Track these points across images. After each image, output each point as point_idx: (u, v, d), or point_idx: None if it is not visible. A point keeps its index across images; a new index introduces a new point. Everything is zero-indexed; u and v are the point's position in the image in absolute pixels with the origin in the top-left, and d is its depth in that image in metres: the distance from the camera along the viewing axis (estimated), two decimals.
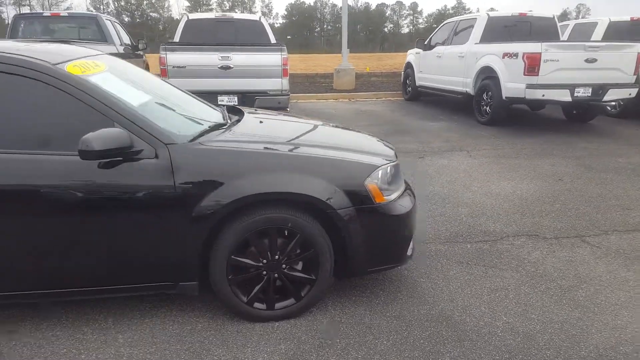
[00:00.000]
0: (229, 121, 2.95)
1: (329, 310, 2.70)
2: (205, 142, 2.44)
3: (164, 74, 6.63)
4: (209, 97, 6.67)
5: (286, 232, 2.46)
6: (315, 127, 3.27)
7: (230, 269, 2.44)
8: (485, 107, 8.48)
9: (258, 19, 8.53)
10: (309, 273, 2.56)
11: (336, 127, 3.64)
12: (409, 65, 11.83)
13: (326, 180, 2.46)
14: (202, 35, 8.17)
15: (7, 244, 2.22)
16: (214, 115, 3.06)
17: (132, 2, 79.70)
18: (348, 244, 2.54)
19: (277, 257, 2.49)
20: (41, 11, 8.43)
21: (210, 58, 6.68)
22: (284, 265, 2.51)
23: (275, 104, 6.99)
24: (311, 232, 2.45)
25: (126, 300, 2.72)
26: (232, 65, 6.75)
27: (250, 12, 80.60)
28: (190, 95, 3.44)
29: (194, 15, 8.48)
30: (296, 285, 2.57)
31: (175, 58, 6.62)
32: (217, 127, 2.75)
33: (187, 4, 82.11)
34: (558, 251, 3.50)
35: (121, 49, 8.61)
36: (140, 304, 2.72)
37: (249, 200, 2.35)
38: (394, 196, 2.69)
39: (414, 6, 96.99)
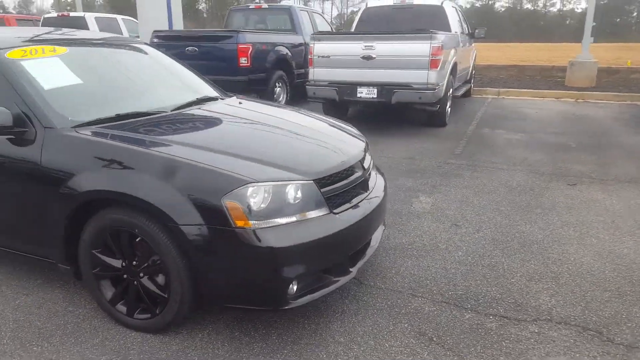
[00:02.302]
0: (168, 112, 2.85)
1: (193, 338, 2.36)
2: (84, 130, 2.41)
3: (310, 63, 6.73)
4: (350, 88, 6.53)
5: (138, 239, 2.26)
6: (257, 124, 2.90)
7: (95, 264, 2.39)
8: None
9: (440, 4, 7.71)
10: (164, 290, 2.29)
11: (295, 129, 2.95)
12: None
13: (177, 188, 2.13)
14: (377, 24, 7.93)
15: None
16: (173, 103, 3.00)
17: None
18: (193, 267, 2.16)
19: (134, 263, 2.31)
20: (248, 5, 9.53)
21: (353, 47, 6.43)
22: (141, 274, 2.32)
23: (416, 98, 6.28)
24: (159, 244, 2.17)
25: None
26: (374, 55, 6.34)
27: None
28: (202, 80, 3.49)
29: (372, 3, 8.25)
30: (153, 300, 2.34)
31: (320, 47, 6.63)
32: (137, 115, 2.70)
33: None
34: None
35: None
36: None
37: (94, 195, 2.25)
38: (280, 221, 2.14)
39: None
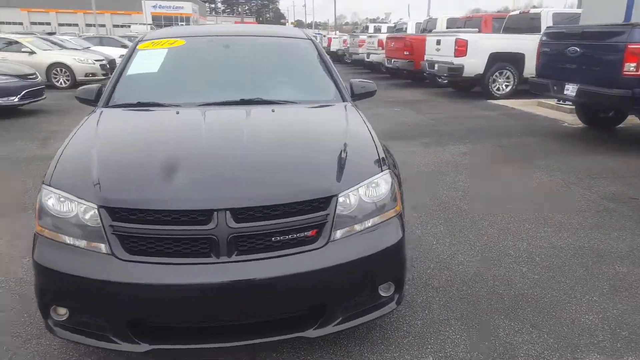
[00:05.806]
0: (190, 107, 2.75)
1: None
2: (100, 110, 2.78)
3: None
4: None
5: None
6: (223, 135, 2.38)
7: None
8: None
9: None
10: None
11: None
12: None
13: None
14: None
15: None
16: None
17: None
18: None
19: None
20: None
21: None
22: None
23: None
24: None
25: None
26: None
27: None
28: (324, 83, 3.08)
29: None
30: None
31: None
32: (155, 105, 2.82)
33: None
34: None
35: None
36: None
37: None
38: (64, 239, 1.93)
39: None
